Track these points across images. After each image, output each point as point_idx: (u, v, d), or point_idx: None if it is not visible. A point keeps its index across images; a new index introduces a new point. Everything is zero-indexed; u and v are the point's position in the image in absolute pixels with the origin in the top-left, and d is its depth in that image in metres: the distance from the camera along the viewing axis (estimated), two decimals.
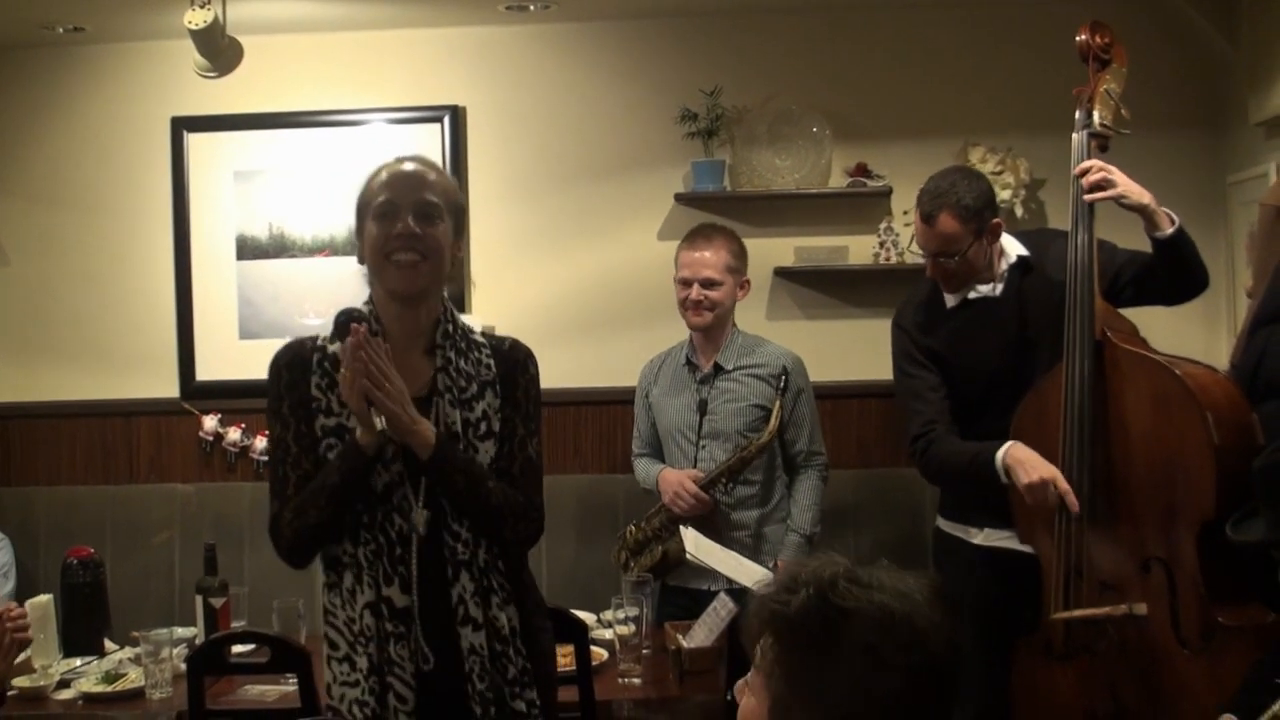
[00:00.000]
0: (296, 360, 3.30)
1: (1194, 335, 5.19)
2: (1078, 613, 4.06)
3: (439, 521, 3.22)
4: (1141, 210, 4.18)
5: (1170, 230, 4.18)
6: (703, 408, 5.05)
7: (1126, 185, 4.16)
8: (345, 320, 3.17)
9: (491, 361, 3.34)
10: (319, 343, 3.31)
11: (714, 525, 4.94)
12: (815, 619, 2.01)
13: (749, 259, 5.16)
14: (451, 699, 3.22)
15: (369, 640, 3.19)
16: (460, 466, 3.19)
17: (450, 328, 3.33)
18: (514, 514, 3.27)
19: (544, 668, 3.39)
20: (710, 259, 5.02)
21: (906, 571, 2.10)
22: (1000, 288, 4.48)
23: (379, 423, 3.13)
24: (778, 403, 4.96)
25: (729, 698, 4.43)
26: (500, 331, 5.63)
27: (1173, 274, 4.29)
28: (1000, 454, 4.19)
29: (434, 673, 3.23)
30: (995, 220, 4.42)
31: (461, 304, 5.93)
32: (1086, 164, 4.20)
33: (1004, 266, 4.49)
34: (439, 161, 5.82)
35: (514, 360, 3.38)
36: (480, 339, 3.39)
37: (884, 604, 2.00)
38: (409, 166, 3.32)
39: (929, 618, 2.01)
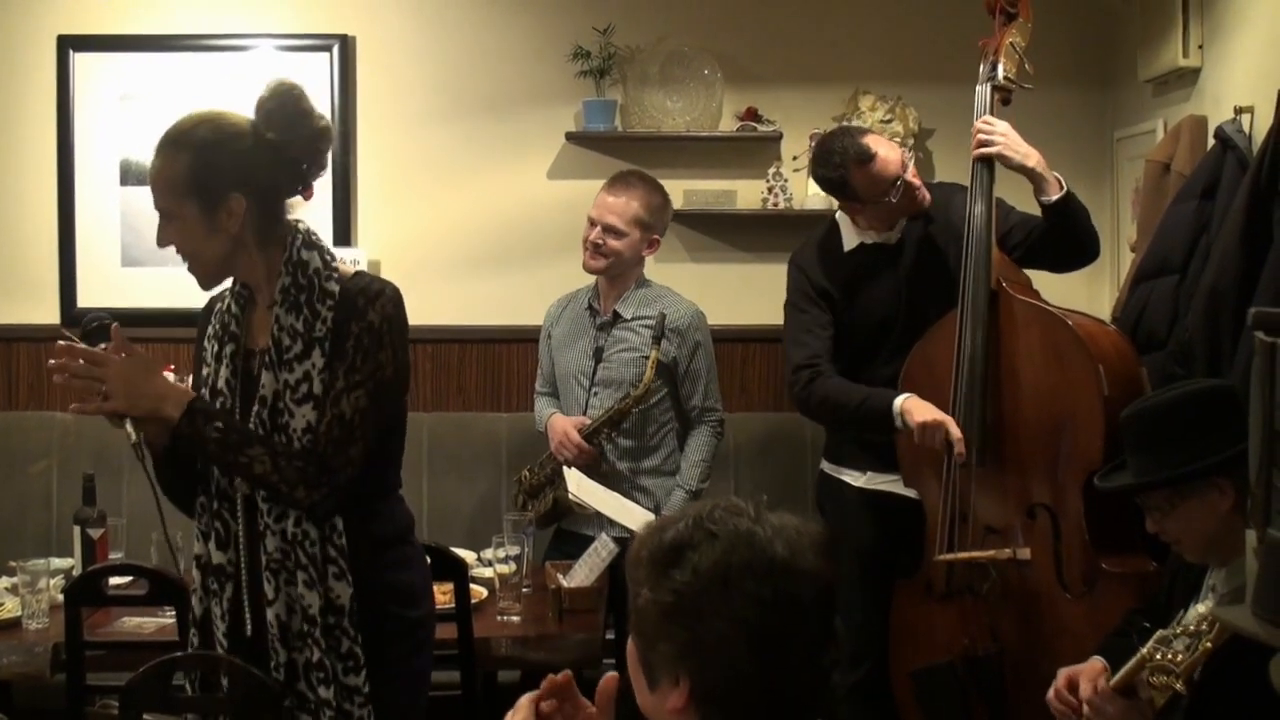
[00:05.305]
0: (206, 308, 3.26)
1: (1077, 288, 5.25)
2: (961, 555, 4.12)
3: None
4: (1025, 172, 4.21)
5: (1056, 196, 4.21)
6: (598, 354, 5.02)
7: (1009, 145, 4.18)
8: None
9: (331, 315, 3.05)
10: (222, 291, 3.24)
11: (598, 475, 4.90)
12: (681, 539, 2.02)
13: None
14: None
15: (193, 592, 3.18)
16: (212, 435, 3.00)
17: (288, 281, 3.07)
18: (290, 483, 3.01)
19: (378, 651, 3.15)
20: (618, 207, 4.92)
21: (808, 520, 2.07)
22: (898, 236, 4.52)
23: (130, 433, 3.00)
24: (653, 354, 4.87)
25: (607, 636, 4.48)
26: (385, 267, 5.69)
27: (1060, 240, 4.32)
28: (898, 401, 4.23)
29: (258, 640, 3.11)
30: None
31: (347, 236, 5.87)
32: (979, 121, 4.24)
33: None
34: (326, 92, 5.81)
35: (352, 307, 3.06)
36: (334, 287, 3.07)
37: (749, 530, 2.00)
38: (153, 160, 3.07)
39: (791, 557, 1.99)
